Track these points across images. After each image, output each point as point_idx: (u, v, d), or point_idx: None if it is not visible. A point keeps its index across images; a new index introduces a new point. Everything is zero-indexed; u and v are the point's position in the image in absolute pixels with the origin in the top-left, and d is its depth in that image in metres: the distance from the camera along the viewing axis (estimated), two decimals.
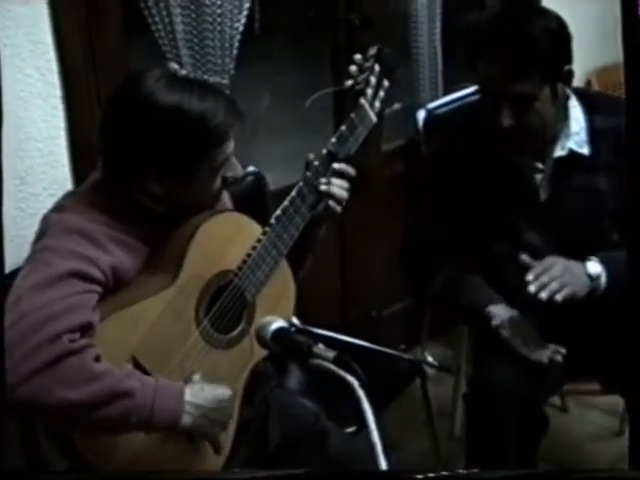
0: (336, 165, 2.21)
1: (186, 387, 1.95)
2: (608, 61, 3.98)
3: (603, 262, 2.39)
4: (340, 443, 2.27)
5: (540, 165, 2.47)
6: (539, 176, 2.47)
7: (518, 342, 2.41)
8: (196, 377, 2.01)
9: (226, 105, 2.00)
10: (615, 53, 4.17)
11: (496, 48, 2.29)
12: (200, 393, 1.96)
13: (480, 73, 2.36)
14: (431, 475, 1.52)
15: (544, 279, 2.28)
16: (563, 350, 2.39)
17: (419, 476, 1.55)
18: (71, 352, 1.78)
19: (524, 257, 2.36)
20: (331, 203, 2.20)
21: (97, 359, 1.83)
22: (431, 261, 2.58)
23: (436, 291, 2.56)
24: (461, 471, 2.14)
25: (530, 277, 2.28)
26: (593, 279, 2.37)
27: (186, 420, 1.92)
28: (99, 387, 1.80)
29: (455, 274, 2.55)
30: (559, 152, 2.45)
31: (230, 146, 2.04)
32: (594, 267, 2.38)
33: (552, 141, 2.46)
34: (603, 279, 2.38)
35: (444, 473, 1.57)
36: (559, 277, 2.30)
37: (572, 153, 2.45)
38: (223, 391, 2.02)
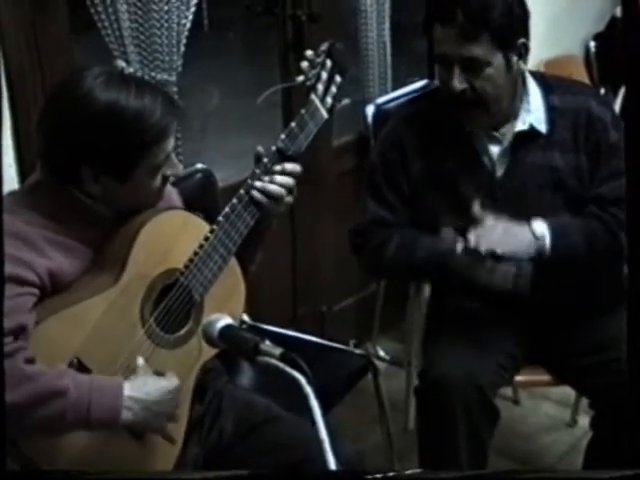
0: (277, 167, 2.18)
1: (126, 382, 1.92)
2: (553, 54, 4.08)
3: (549, 223, 2.42)
4: (295, 427, 2.24)
5: (499, 139, 2.51)
6: (497, 151, 2.51)
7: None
8: (140, 362, 1.98)
9: (164, 102, 1.99)
10: (560, 46, 4.27)
11: (451, 10, 2.34)
12: (142, 386, 1.94)
13: (436, 37, 2.40)
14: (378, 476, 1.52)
15: (483, 239, 2.33)
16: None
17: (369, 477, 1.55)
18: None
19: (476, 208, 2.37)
20: (267, 201, 2.15)
21: (29, 361, 1.82)
22: (387, 231, 2.57)
23: (394, 250, 2.54)
24: (408, 472, 2.14)
25: (471, 237, 2.32)
26: (538, 238, 2.40)
27: (127, 415, 1.90)
28: (31, 388, 1.79)
29: (412, 232, 2.56)
30: (520, 127, 2.50)
31: (170, 144, 2.02)
32: (539, 226, 2.41)
33: (512, 116, 2.50)
34: (548, 239, 2.41)
35: (390, 474, 1.56)
36: (499, 238, 2.35)
37: (532, 129, 2.49)
38: (167, 382, 1.99)
